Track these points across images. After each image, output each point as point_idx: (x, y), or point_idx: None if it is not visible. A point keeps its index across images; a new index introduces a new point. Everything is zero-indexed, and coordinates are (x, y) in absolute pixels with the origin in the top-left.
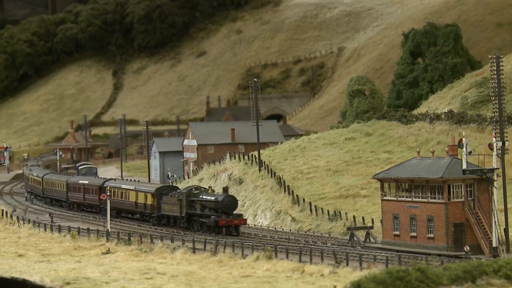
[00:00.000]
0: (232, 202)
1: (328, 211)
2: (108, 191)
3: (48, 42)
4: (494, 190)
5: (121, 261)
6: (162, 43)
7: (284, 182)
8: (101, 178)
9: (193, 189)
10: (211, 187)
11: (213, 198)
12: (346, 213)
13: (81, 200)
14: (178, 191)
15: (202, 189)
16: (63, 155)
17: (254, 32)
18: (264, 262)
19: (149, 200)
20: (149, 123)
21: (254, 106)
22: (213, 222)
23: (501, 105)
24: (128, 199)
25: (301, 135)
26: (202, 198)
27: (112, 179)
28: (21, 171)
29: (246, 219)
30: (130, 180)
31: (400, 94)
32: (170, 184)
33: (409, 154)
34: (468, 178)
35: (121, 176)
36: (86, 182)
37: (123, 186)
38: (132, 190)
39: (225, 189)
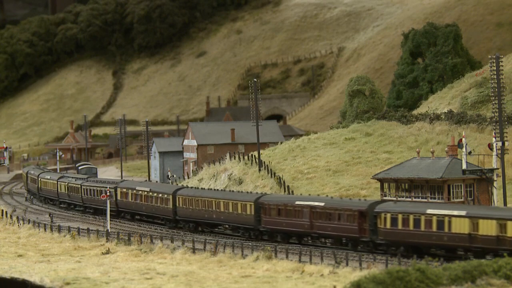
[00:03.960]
0: None
1: None
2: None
3: (48, 42)
4: (494, 190)
5: (121, 261)
6: (162, 43)
7: (284, 182)
8: (338, 198)
9: None
10: None
11: None
12: None
13: (304, 229)
14: None
15: None
16: (62, 155)
17: (254, 32)
18: (264, 262)
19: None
20: (149, 123)
21: (254, 106)
22: None
23: (501, 105)
24: (434, 228)
25: (301, 135)
26: None
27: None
28: (21, 171)
29: None
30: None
31: (400, 94)
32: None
33: (409, 154)
34: (468, 178)
35: (121, 176)
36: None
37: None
38: (455, 216)
39: None
